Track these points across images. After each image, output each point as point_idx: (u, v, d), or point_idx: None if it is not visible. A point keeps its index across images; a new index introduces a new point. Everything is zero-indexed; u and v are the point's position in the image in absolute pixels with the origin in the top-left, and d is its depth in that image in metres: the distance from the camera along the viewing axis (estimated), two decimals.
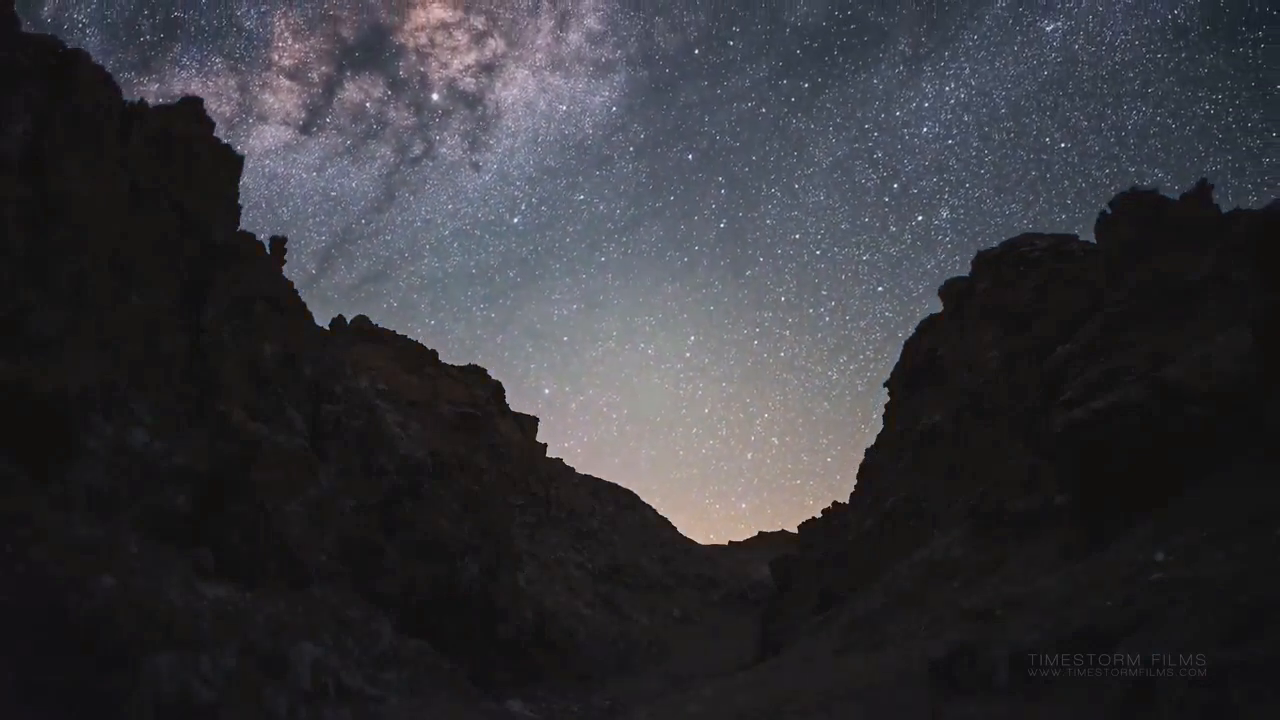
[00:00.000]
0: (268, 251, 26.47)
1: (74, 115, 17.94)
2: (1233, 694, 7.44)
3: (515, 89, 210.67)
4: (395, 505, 24.63)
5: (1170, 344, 18.07)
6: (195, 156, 22.68)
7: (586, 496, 69.70)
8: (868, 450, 38.64)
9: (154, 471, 16.31)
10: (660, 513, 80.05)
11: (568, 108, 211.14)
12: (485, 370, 59.65)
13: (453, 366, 55.94)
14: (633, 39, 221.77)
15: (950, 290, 37.20)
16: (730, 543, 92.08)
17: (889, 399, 39.01)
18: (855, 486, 37.95)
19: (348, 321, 50.53)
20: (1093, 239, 30.40)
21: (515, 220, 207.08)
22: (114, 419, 16.22)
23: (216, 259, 22.24)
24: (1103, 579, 12.47)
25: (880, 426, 39.67)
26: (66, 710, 8.55)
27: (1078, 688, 9.64)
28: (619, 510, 73.38)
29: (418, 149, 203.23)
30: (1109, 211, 28.11)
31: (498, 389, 58.83)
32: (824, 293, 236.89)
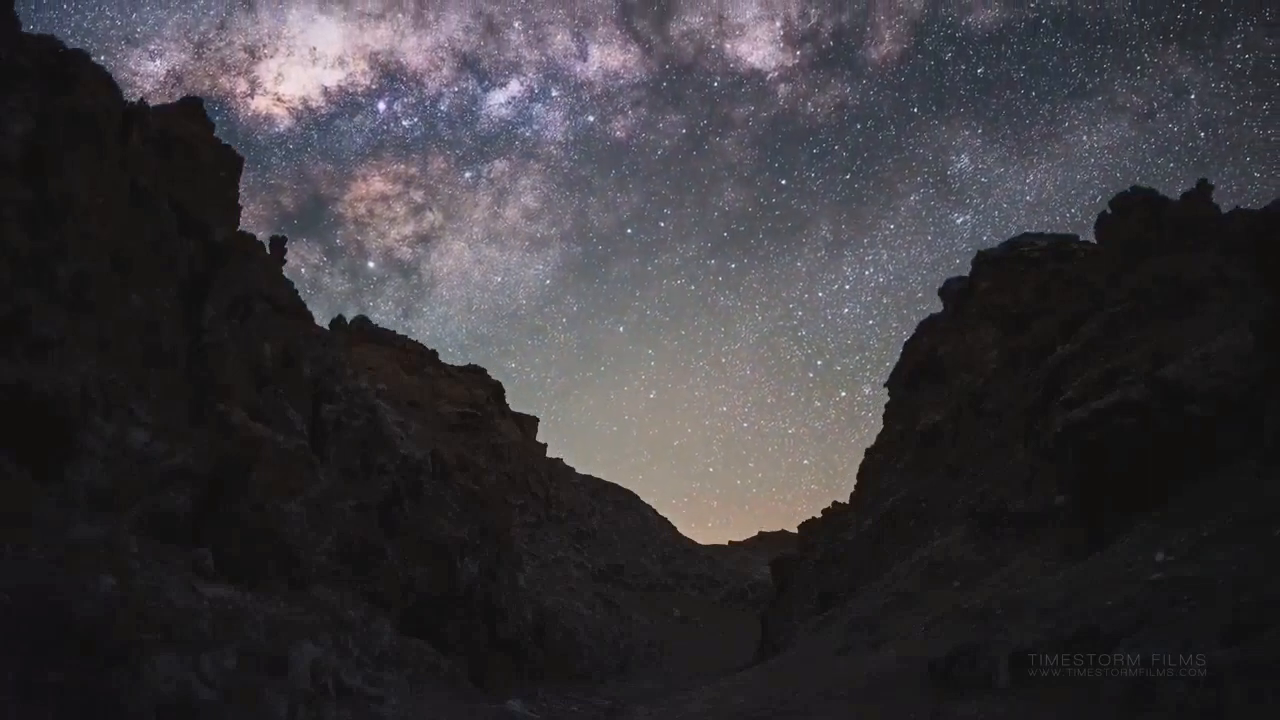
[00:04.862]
0: (268, 251, 26.47)
1: (74, 115, 17.92)
2: (1233, 694, 7.44)
3: (451, 259, 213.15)
4: (395, 505, 24.62)
5: (1170, 344, 18.07)
6: (195, 156, 22.66)
7: (586, 497, 69.68)
8: (868, 450, 38.60)
9: (154, 471, 16.30)
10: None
11: (502, 279, 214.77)
12: (485, 370, 59.64)
13: (453, 367, 55.93)
14: (567, 216, 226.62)
15: (950, 290, 37.17)
16: (730, 543, 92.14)
17: (889, 399, 38.96)
18: (855, 486, 37.91)
19: (348, 321, 50.51)
20: (1093, 239, 30.39)
21: None
22: (114, 419, 16.21)
23: (216, 259, 22.23)
24: (1103, 579, 12.47)
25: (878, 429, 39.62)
26: (66, 710, 8.54)
27: (1078, 688, 9.64)
28: (619, 510, 73.36)
29: (350, 315, 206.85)
30: (1109, 211, 28.10)
31: (498, 389, 58.77)
32: (751, 465, 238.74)
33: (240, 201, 24.16)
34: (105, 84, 19.36)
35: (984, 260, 34.95)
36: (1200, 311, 20.36)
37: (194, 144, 22.76)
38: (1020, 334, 30.02)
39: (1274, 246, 13.92)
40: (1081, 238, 33.41)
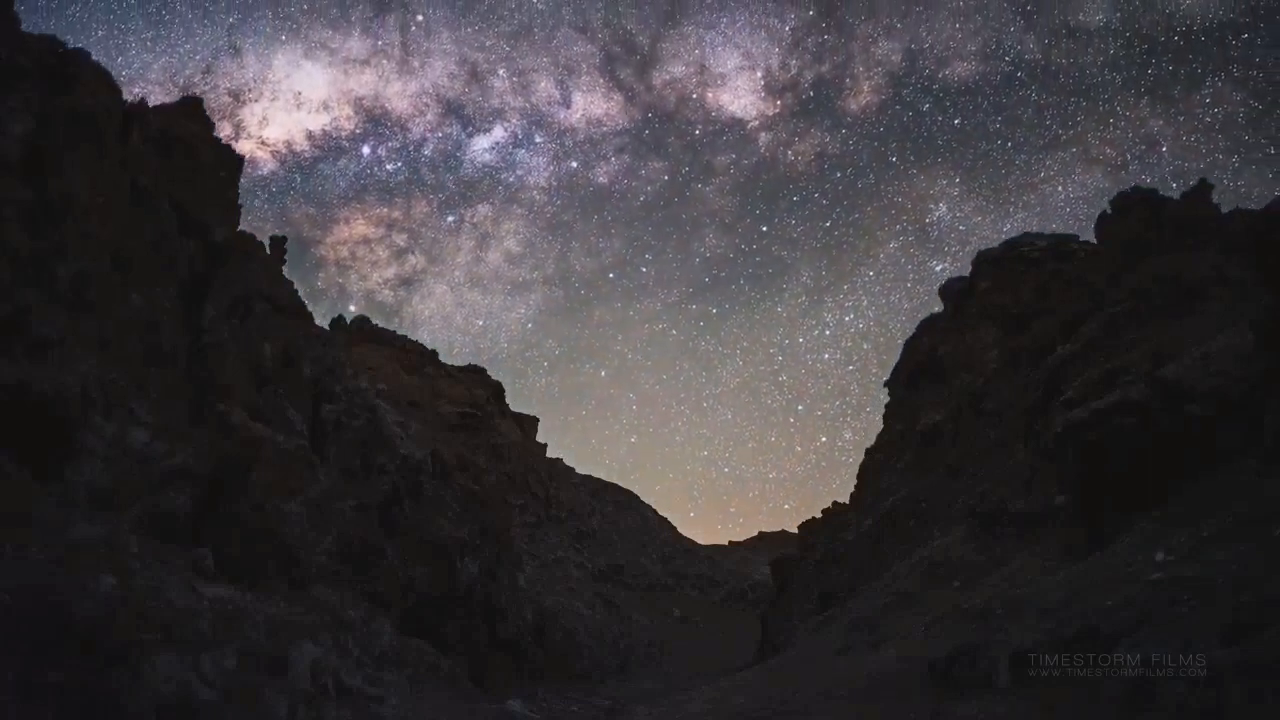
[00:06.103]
0: (268, 251, 26.46)
1: (74, 115, 17.91)
2: (1233, 694, 7.44)
3: (433, 302, 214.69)
4: (395, 505, 24.62)
5: (1170, 344, 18.06)
6: (195, 156, 22.65)
7: (586, 497, 69.67)
8: (868, 450, 38.60)
9: (154, 471, 16.29)
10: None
11: (484, 322, 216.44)
12: (485, 370, 59.63)
13: (453, 366, 55.93)
14: (550, 261, 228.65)
15: (950, 290, 37.16)
16: (730, 543, 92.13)
17: (889, 399, 38.95)
18: (855, 486, 37.91)
19: (348, 321, 50.49)
20: (1093, 239, 30.39)
21: None
22: (114, 419, 16.21)
23: (216, 259, 22.23)
24: (1103, 579, 12.47)
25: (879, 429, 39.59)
26: (66, 710, 8.54)
27: (1078, 688, 9.64)
28: (619, 510, 73.35)
29: None
30: (1109, 211, 28.09)
31: (498, 389, 58.76)
32: (732, 509, 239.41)
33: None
34: (105, 84, 19.35)
35: (984, 260, 34.93)
36: (1200, 311, 20.36)
37: (194, 144, 22.76)
38: (1020, 334, 30.01)
39: (1274, 246, 13.92)
40: (1081, 237, 33.43)
